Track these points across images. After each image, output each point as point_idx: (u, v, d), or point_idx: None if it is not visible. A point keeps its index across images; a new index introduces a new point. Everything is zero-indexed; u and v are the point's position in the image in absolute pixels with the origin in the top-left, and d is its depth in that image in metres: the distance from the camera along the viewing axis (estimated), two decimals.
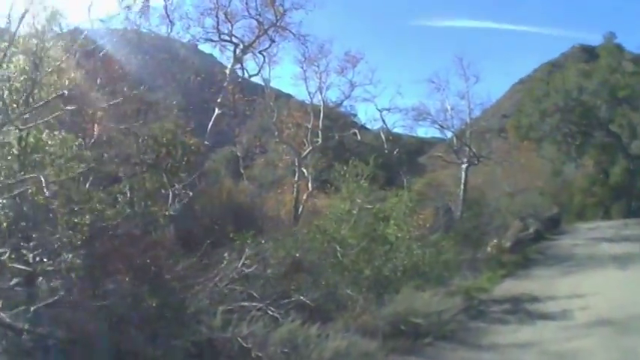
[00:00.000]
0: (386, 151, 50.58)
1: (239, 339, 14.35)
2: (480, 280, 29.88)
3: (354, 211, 25.51)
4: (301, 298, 17.49)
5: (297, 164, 39.22)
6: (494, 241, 40.29)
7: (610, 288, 25.70)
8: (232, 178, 37.44)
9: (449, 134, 53.30)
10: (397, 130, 55.30)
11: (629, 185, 65.81)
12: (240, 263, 17.55)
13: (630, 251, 35.33)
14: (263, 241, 19.36)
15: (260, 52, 39.19)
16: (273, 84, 44.93)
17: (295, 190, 37.44)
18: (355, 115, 60.77)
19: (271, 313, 16.03)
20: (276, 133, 40.14)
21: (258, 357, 14.20)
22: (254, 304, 16.20)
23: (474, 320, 22.31)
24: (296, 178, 38.62)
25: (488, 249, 38.75)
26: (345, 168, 28.25)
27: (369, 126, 61.37)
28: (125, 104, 21.41)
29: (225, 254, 17.95)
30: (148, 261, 16.04)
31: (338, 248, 21.94)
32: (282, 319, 15.93)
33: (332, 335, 15.86)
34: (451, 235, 32.64)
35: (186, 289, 16.26)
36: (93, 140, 18.58)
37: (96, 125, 19.61)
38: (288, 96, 53.59)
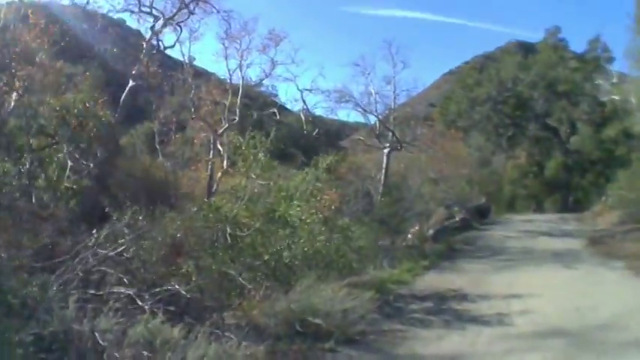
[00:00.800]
0: (305, 132, 50.63)
1: (95, 334, 11.82)
2: (398, 271, 27.13)
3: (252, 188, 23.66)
4: (176, 287, 14.89)
5: (212, 142, 39.51)
6: (416, 227, 38.84)
7: (555, 289, 22.60)
8: (150, 154, 39.54)
9: (372, 119, 52.62)
10: (318, 111, 53.28)
11: (566, 180, 66.81)
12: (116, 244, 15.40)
13: (573, 248, 33.52)
14: (140, 218, 17.05)
15: (177, 24, 38.10)
16: (195, 60, 44.30)
17: (210, 167, 37.42)
18: (276, 95, 61.02)
19: (141, 304, 13.76)
20: (193, 109, 40.25)
21: (115, 357, 11.57)
22: (122, 290, 14.11)
23: (390, 320, 18.86)
24: (211, 156, 38.74)
25: (409, 236, 37.37)
26: (241, 140, 26.62)
27: (290, 107, 61.03)
28: (42, 75, 21.62)
29: (94, 231, 15.77)
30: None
31: (228, 229, 19.53)
32: (150, 313, 13.32)
33: (201, 337, 12.70)
34: (366, 221, 31.00)
35: (45, 270, 14.04)
36: (9, 110, 19.41)
37: (14, 95, 20.16)
38: (210, 73, 52.76)
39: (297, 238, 21.35)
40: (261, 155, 25.01)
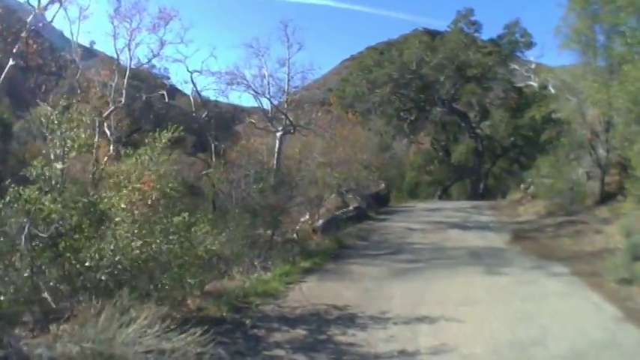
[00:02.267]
0: (193, 115, 47.68)
1: None
2: (271, 275, 19.76)
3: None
4: None
5: (97, 125, 32.81)
6: (306, 217, 32.83)
7: (480, 307, 15.56)
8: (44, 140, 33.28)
9: (265, 102, 47.56)
10: (209, 93, 52.88)
11: (476, 166, 60.23)
12: None
13: (496, 245, 25.69)
14: None
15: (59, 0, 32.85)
16: (85, 41, 43.41)
17: (95, 152, 31.09)
18: (168, 78, 54.72)
19: None
20: (79, 91, 35.38)
21: None
22: None
23: None
24: (96, 139, 31.70)
25: (298, 227, 31.02)
26: None
27: (182, 89, 57.26)
28: None
29: None
30: None
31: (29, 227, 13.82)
32: None
33: None
34: (236, 213, 24.26)
35: None
36: None
37: None
38: (100, 53, 53.26)
39: (115, 242, 14.57)
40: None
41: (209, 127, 48.56)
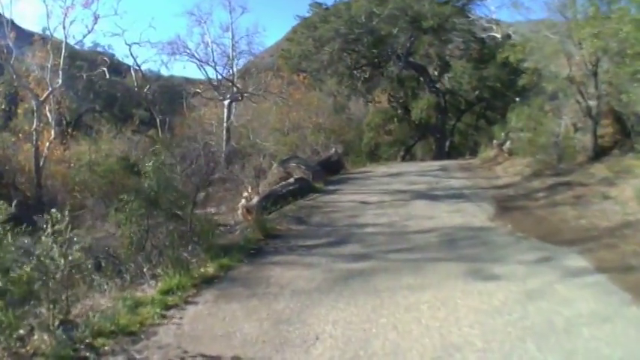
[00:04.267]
0: (136, 89, 46.34)
1: None
2: (152, 292, 13.01)
3: None
4: None
5: (35, 109, 33.94)
6: (249, 191, 25.43)
7: None
8: None
9: (210, 70, 44.04)
10: (150, 65, 48.71)
11: (439, 123, 51.89)
12: None
13: (476, 223, 17.67)
14: None
15: None
16: (21, 23, 42.18)
17: (35, 138, 32.34)
18: (113, 55, 55.86)
19: None
20: (15, 76, 36.17)
21: None
22: None
23: None
24: (34, 125, 33.05)
25: (241, 204, 23.89)
26: None
27: (127, 63, 54.46)
28: None
29: None
30: None
31: None
32: None
33: None
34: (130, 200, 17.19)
35: None
36: None
37: None
38: (35, 35, 47.68)
39: None
40: None
41: (154, 102, 47.56)
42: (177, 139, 36.34)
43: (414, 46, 51.85)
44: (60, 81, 35.42)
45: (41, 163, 31.68)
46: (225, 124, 41.58)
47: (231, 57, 46.13)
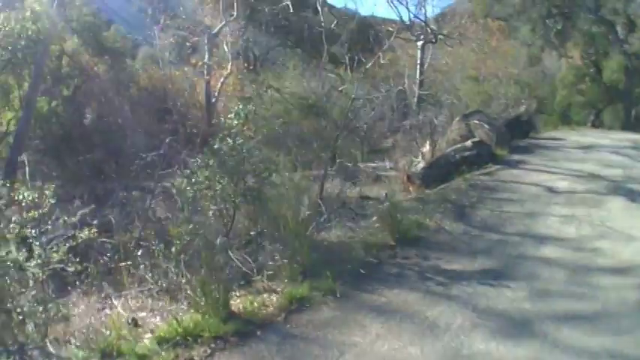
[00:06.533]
0: (322, 26, 37.30)
1: None
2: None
3: None
4: None
5: (206, 42, 29.66)
6: (426, 148, 20.19)
7: None
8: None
9: (403, 11, 42.29)
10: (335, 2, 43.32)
11: (627, 88, 42.29)
12: None
13: None
14: None
15: None
16: None
17: (205, 72, 28.13)
18: None
19: None
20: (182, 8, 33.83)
21: None
22: None
23: None
24: (205, 59, 28.72)
25: (418, 159, 19.31)
26: None
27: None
28: None
29: None
30: None
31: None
32: None
33: None
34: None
35: None
36: None
37: None
38: None
39: None
40: None
41: (345, 40, 39.68)
42: (369, 79, 30.01)
43: None
44: (235, 13, 30.50)
45: (213, 99, 27.68)
46: (417, 68, 34.95)
47: None
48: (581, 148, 23.44)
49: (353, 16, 44.05)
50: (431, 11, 41.55)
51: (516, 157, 20.53)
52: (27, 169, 18.41)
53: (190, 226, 9.48)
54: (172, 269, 8.81)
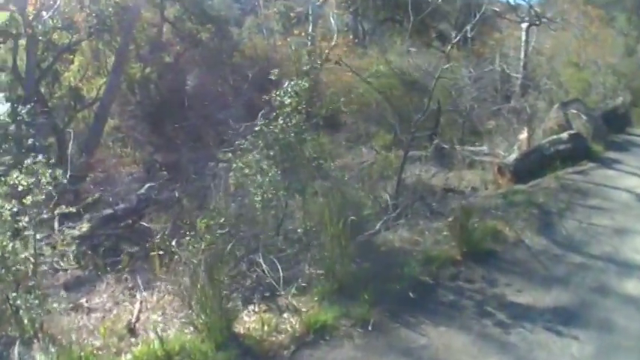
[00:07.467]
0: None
1: None
2: None
3: None
4: None
5: (310, 13, 30.34)
6: (524, 135, 18.91)
7: None
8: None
9: None
10: None
11: None
12: None
13: None
14: None
15: None
16: None
17: (309, 44, 28.34)
18: None
19: None
20: None
21: None
22: None
23: None
24: (309, 30, 29.30)
25: (515, 147, 17.88)
26: None
27: None
28: None
29: None
30: None
31: None
32: None
33: None
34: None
35: None
36: None
37: None
38: None
39: None
40: None
41: (457, 17, 38.58)
42: (475, 59, 28.89)
43: None
44: None
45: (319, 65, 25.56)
46: (522, 50, 33.01)
47: None
48: None
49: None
50: None
51: (612, 154, 18.16)
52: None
53: (222, 219, 8.56)
54: (192, 268, 7.47)
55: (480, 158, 18.22)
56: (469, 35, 33.80)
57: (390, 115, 20.18)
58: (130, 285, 9.24)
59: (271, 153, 9.79)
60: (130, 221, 13.06)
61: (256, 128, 10.10)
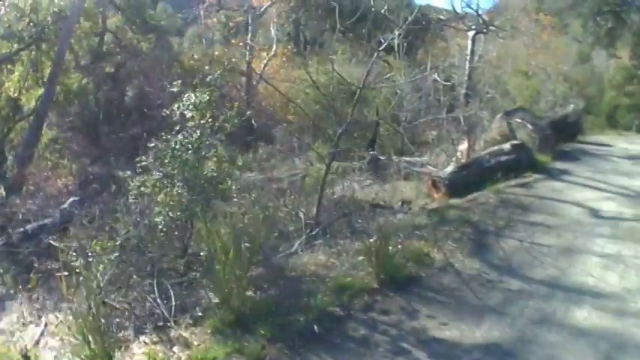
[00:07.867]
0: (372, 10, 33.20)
1: None
2: None
3: None
4: None
5: (250, 22, 29.14)
6: (464, 146, 18.98)
7: None
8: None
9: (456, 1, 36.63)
10: None
11: None
12: None
13: None
14: None
15: None
16: None
17: (247, 54, 27.98)
18: None
19: None
20: None
21: None
22: None
23: None
24: (248, 40, 28.30)
25: (457, 158, 17.71)
26: None
27: None
28: None
29: None
30: None
31: None
32: None
33: None
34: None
35: None
36: None
37: None
38: None
39: None
40: None
41: (399, 26, 36.68)
42: (417, 68, 25.63)
43: None
44: None
45: (254, 82, 26.76)
46: (467, 59, 30.80)
47: None
48: (630, 158, 19.62)
49: (414, 4, 42.53)
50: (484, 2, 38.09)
51: (560, 165, 17.14)
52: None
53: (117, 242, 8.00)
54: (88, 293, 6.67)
55: (418, 170, 17.47)
56: (407, 43, 33.16)
57: (329, 126, 18.99)
58: (37, 306, 8.95)
59: (174, 171, 9.07)
60: (45, 238, 12.48)
61: (150, 145, 9.46)
